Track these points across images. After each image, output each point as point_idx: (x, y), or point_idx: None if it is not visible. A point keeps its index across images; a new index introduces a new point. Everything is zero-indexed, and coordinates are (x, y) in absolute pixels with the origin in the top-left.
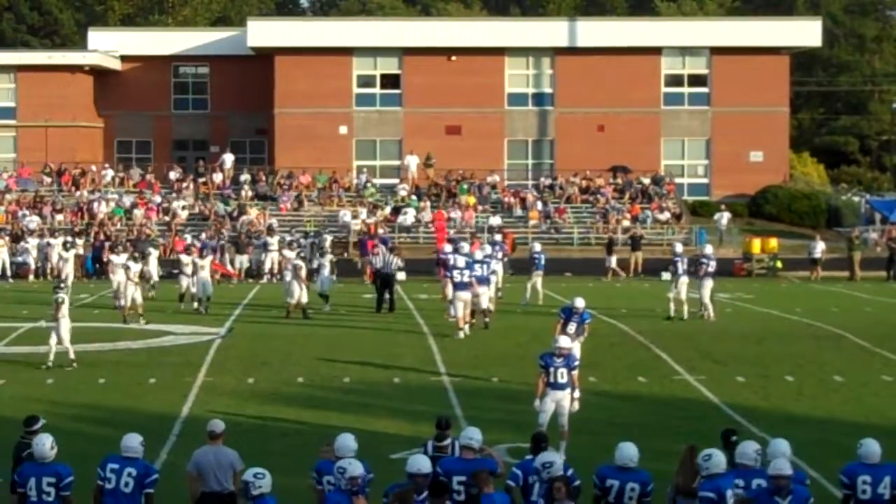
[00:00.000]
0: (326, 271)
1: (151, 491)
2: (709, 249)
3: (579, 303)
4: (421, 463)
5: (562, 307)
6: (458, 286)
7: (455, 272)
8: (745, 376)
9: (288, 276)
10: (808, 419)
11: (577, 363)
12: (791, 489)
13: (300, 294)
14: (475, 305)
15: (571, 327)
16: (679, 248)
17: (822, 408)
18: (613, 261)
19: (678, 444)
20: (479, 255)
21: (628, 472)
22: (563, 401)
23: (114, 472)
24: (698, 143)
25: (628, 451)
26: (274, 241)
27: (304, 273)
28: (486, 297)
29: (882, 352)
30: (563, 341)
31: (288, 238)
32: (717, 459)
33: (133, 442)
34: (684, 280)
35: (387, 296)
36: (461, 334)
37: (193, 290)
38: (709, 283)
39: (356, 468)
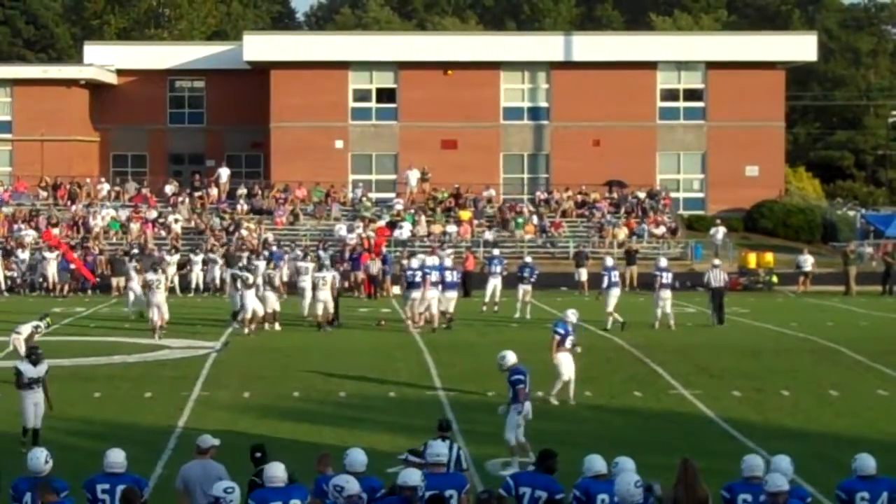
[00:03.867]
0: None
1: (145, 500)
2: (663, 262)
3: (571, 316)
4: (409, 476)
5: (555, 321)
6: (411, 286)
7: (409, 273)
8: (740, 390)
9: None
10: (804, 433)
11: (520, 377)
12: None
13: (326, 307)
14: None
15: (569, 342)
16: (609, 261)
17: (818, 422)
18: (584, 274)
19: (674, 458)
20: (431, 262)
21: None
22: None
23: (106, 492)
24: (694, 157)
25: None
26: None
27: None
28: (452, 302)
29: (878, 366)
30: (510, 357)
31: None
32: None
33: (118, 457)
34: (614, 293)
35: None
36: (412, 328)
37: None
38: (666, 294)
39: (354, 486)
